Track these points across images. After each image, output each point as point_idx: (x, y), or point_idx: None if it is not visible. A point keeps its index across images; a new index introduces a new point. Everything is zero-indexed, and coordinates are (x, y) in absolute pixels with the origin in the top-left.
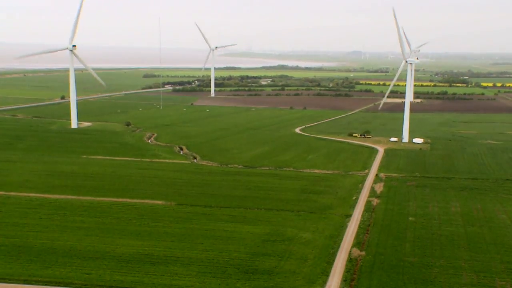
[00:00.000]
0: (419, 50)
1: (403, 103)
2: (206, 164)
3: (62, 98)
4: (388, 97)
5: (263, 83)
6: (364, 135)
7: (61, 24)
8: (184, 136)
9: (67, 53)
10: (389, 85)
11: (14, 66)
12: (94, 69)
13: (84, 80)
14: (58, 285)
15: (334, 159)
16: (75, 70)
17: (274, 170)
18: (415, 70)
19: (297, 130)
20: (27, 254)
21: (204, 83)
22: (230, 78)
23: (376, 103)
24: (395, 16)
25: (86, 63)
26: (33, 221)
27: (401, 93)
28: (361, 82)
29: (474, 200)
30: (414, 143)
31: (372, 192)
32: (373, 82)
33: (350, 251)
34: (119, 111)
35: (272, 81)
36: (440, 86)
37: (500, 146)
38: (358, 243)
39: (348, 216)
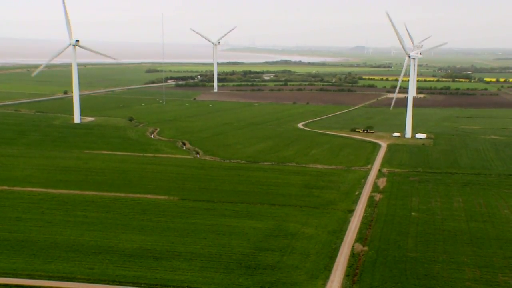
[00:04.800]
0: (422, 46)
1: (406, 98)
2: (209, 159)
3: (65, 93)
4: (390, 92)
5: (266, 78)
6: (367, 130)
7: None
8: (186, 131)
9: (70, 48)
10: (392, 80)
11: (17, 61)
12: (98, 64)
13: (87, 75)
14: (61, 280)
15: (337, 154)
16: (78, 65)
17: (277, 165)
18: (418, 65)
19: (300, 125)
20: (30, 248)
21: (206, 78)
22: (233, 73)
23: (379, 98)
24: (390, 20)
25: (92, 49)
26: (36, 216)
27: (404, 88)
28: (364, 77)
29: (477, 196)
30: (417, 138)
31: (375, 187)
32: (376, 77)
33: (353, 246)
34: (121, 106)
35: (275, 76)
36: (443, 81)
37: (503, 141)
38: (360, 238)
39: (351, 211)
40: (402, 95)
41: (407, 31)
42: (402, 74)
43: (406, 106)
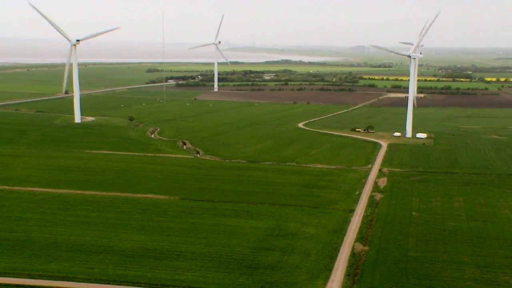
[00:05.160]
0: (422, 45)
1: (406, 98)
2: (209, 159)
3: (66, 92)
4: (391, 92)
5: (267, 77)
6: (368, 130)
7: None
8: (187, 130)
9: (71, 47)
10: (392, 80)
11: (17, 61)
12: (98, 63)
13: (88, 74)
14: (62, 280)
15: (338, 154)
16: (78, 65)
17: (277, 165)
18: (419, 65)
19: (300, 125)
20: (30, 248)
21: (207, 78)
22: (233, 73)
23: (380, 98)
24: (379, 47)
25: (94, 33)
26: (36, 215)
27: (404, 87)
28: (364, 77)
29: (477, 195)
30: (418, 138)
31: (375, 187)
32: (376, 77)
33: (353, 246)
34: (122, 105)
35: (275, 75)
36: (444, 81)
37: (503, 141)
38: (361, 238)
39: (351, 211)
40: (402, 95)
41: (404, 43)
42: (411, 75)
43: (406, 105)
